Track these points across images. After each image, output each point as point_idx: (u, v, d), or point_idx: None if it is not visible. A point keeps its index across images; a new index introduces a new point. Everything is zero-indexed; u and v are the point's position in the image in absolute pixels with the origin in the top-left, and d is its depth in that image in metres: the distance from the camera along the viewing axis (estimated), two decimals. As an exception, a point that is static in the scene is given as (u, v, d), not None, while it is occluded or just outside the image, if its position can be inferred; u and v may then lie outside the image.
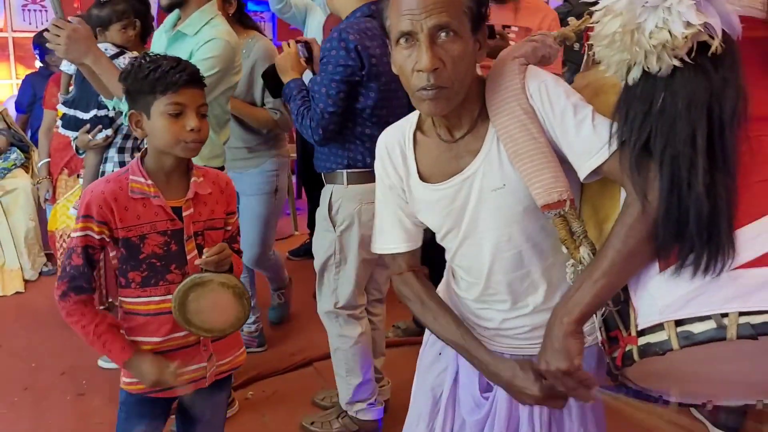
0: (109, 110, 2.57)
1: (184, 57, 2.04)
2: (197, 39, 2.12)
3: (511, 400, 1.28)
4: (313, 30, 3.17)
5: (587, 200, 1.21)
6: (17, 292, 3.59)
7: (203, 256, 1.43)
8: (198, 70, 1.46)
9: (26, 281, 3.73)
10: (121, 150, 2.63)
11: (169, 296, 1.43)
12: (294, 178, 4.74)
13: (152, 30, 2.86)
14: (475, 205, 1.21)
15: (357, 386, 2.27)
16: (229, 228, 1.57)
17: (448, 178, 1.22)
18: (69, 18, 2.03)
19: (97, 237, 1.41)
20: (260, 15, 5.87)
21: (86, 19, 2.50)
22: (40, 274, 3.86)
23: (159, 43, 2.30)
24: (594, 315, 1.14)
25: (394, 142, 1.29)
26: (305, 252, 4.12)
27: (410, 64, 1.09)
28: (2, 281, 3.62)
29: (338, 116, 2.00)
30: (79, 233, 1.40)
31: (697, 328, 0.96)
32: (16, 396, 2.59)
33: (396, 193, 1.31)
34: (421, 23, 1.06)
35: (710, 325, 0.95)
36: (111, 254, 1.47)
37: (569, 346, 1.08)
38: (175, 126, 1.40)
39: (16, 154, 3.81)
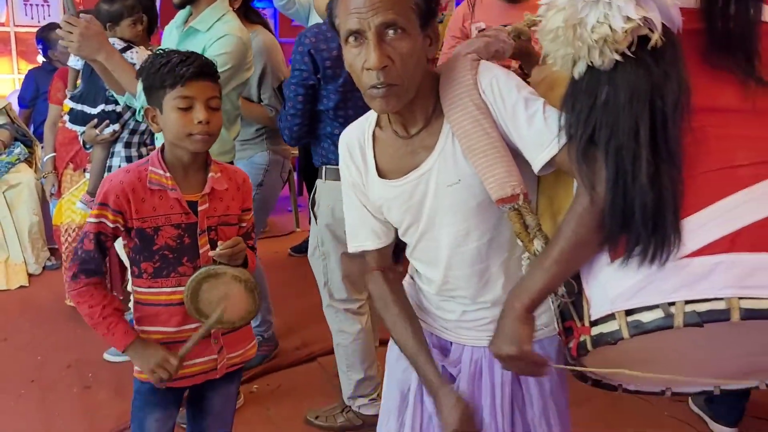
0: (116, 105, 2.58)
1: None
2: (210, 35, 2.14)
3: (473, 391, 1.31)
4: None
5: (543, 192, 1.23)
6: (21, 286, 3.62)
7: (217, 249, 1.45)
8: (209, 62, 1.48)
9: (30, 275, 3.75)
10: (128, 145, 2.65)
11: (181, 288, 1.45)
12: (296, 175, 4.77)
13: (157, 25, 2.88)
14: (432, 201, 1.22)
15: (357, 381, 2.31)
16: (244, 224, 1.59)
17: (405, 174, 1.23)
18: (80, 14, 2.05)
19: (110, 225, 1.43)
20: (263, 11, 5.88)
21: (96, 14, 2.52)
22: (44, 268, 3.88)
23: (170, 38, 2.31)
24: (552, 305, 1.18)
25: (354, 140, 1.30)
26: (307, 248, 4.15)
27: (360, 62, 1.10)
28: (6, 276, 3.64)
29: (300, 118, 2.09)
30: (93, 220, 1.43)
31: (645, 317, 0.99)
32: (23, 389, 2.61)
33: (359, 191, 1.32)
34: (368, 21, 1.07)
35: (658, 314, 0.97)
36: (123, 243, 1.49)
37: (519, 331, 1.11)
38: (184, 119, 1.42)
39: (19, 149, 3.82)
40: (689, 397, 2.48)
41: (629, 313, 1.01)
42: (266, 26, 2.93)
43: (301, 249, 4.18)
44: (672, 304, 0.96)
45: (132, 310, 1.57)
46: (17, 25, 4.85)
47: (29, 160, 3.86)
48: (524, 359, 1.13)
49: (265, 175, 2.75)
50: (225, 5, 2.23)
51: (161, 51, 1.48)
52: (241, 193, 1.57)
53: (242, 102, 2.72)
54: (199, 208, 1.48)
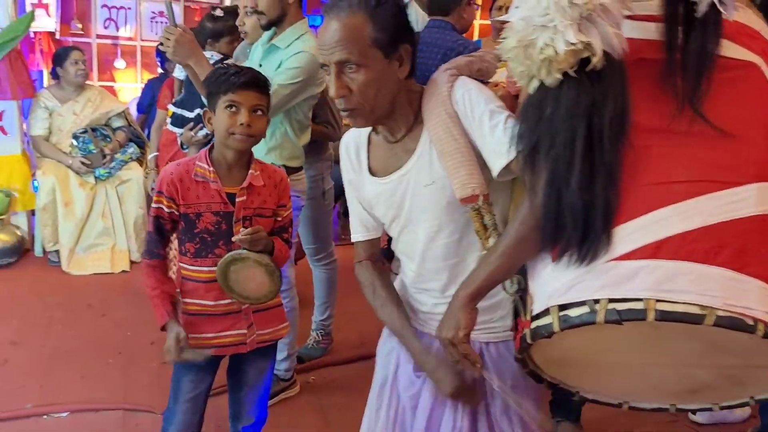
0: None
1: (274, 66, 2.30)
2: (288, 51, 2.35)
3: None
4: None
5: (514, 199, 1.34)
6: (123, 271, 4.00)
7: (240, 234, 1.65)
8: (259, 75, 1.69)
9: (132, 262, 4.10)
10: None
11: (216, 267, 1.66)
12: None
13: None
14: (411, 199, 1.36)
15: None
16: (279, 219, 1.78)
17: (390, 173, 1.38)
18: (178, 25, 2.34)
19: (166, 210, 1.66)
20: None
21: (199, 30, 2.83)
22: (145, 256, 4.27)
23: (255, 54, 2.56)
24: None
25: (352, 141, 1.46)
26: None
27: (331, 90, 1.26)
28: (112, 260, 4.04)
29: None
30: (154, 205, 1.68)
31: (573, 312, 1.06)
32: (111, 358, 2.93)
33: (354, 186, 1.48)
34: (328, 58, 1.24)
35: (584, 309, 1.05)
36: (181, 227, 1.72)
37: (459, 317, 1.22)
38: (230, 120, 1.63)
39: (132, 149, 4.26)
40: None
41: (562, 308, 1.08)
42: None
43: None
44: (597, 301, 1.03)
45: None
46: (143, 40, 5.39)
47: (140, 159, 4.27)
48: (458, 345, 1.24)
49: (324, 182, 2.89)
50: (305, 26, 2.44)
51: (224, 64, 1.70)
52: (278, 191, 1.76)
53: None
54: (237, 200, 1.68)
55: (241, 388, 1.83)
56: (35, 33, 4.85)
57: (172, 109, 3.18)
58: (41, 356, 2.91)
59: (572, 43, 0.98)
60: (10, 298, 3.53)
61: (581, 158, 1.03)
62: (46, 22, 4.86)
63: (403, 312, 1.43)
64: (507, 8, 4.23)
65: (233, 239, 1.66)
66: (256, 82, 1.67)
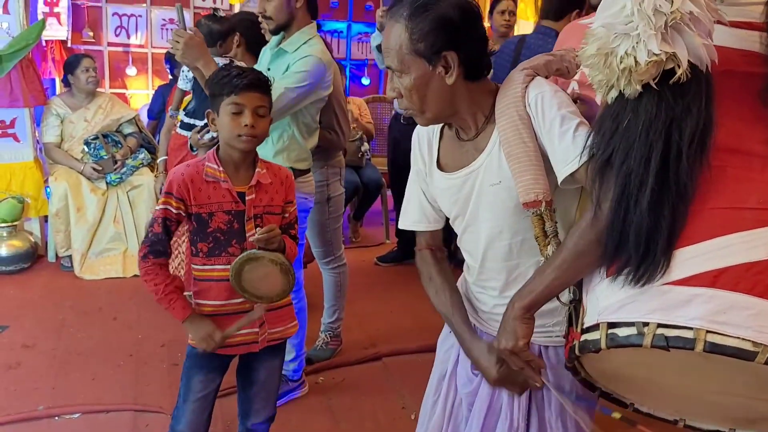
0: None
1: (282, 70, 2.32)
2: (295, 55, 2.38)
3: None
4: None
5: (579, 209, 1.32)
6: (135, 275, 4.01)
7: (256, 234, 1.66)
8: (261, 76, 1.70)
9: (144, 266, 4.15)
10: None
11: (229, 266, 1.66)
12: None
13: (262, 44, 3.20)
14: (477, 197, 1.36)
15: None
16: (286, 215, 1.80)
17: (458, 169, 1.38)
18: (189, 29, 2.37)
19: (174, 211, 1.67)
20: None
21: (206, 32, 2.85)
22: (156, 261, 4.30)
23: (264, 58, 2.59)
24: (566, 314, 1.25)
25: (425, 133, 1.47)
26: (392, 259, 4.34)
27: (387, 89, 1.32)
28: (124, 265, 4.07)
29: None
30: (160, 206, 1.68)
31: (622, 331, 1.03)
32: (122, 361, 2.95)
33: (421, 178, 1.49)
34: (386, 62, 1.31)
35: (632, 331, 1.02)
36: (184, 229, 1.73)
37: (516, 328, 1.22)
38: (234, 122, 1.65)
39: (143, 155, 4.29)
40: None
41: (612, 326, 1.06)
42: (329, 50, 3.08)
43: (386, 259, 4.36)
44: (646, 324, 1.01)
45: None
46: (154, 47, 5.44)
47: (151, 165, 4.30)
48: (519, 355, 1.23)
49: (329, 188, 2.88)
50: (312, 31, 2.47)
51: (225, 65, 1.72)
52: (284, 188, 1.78)
53: None
54: (247, 198, 1.69)
55: (251, 386, 1.84)
56: (47, 41, 4.91)
57: (183, 117, 3.20)
58: (53, 359, 2.94)
59: (655, 54, 0.94)
60: (23, 302, 3.56)
61: (655, 176, 0.99)
62: (58, 30, 4.92)
63: (457, 299, 1.45)
64: (510, 12, 4.18)
65: (250, 239, 1.68)
66: (259, 84, 1.69)
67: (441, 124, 1.44)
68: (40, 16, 4.57)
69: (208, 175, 1.68)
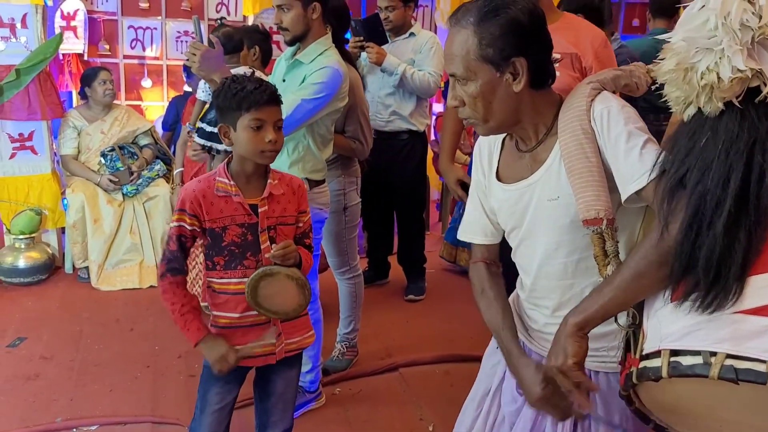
0: None
1: (297, 81, 2.31)
2: (311, 66, 2.37)
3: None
4: None
5: (643, 227, 1.28)
6: (151, 286, 4.03)
7: (272, 251, 1.65)
8: (275, 90, 1.69)
9: (160, 277, 4.17)
10: None
11: (245, 279, 1.66)
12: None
13: (271, 56, 3.21)
14: (533, 211, 1.32)
15: None
16: (300, 225, 1.79)
17: (516, 181, 1.35)
18: (210, 39, 2.37)
19: (189, 227, 1.67)
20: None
21: (226, 41, 2.86)
22: (172, 272, 4.32)
23: (279, 68, 2.59)
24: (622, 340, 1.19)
25: (486, 144, 1.46)
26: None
27: (448, 98, 1.29)
28: (140, 276, 4.09)
29: None
30: (175, 224, 1.68)
31: (686, 360, 0.97)
32: (139, 372, 2.96)
33: (480, 189, 1.47)
34: (446, 69, 1.29)
35: (698, 360, 0.96)
36: (198, 242, 1.73)
37: (567, 345, 1.17)
38: (256, 138, 1.64)
39: (159, 166, 4.32)
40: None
41: (675, 353, 1.00)
42: (353, 64, 3.04)
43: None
44: (714, 354, 0.95)
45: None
46: (169, 59, 5.48)
47: (167, 176, 4.33)
48: (568, 374, 1.17)
49: (345, 197, 2.88)
50: (328, 42, 2.46)
51: (235, 77, 1.71)
52: (297, 197, 1.77)
53: None
54: (259, 210, 1.69)
55: (268, 398, 1.84)
56: (64, 55, 4.96)
57: (199, 124, 3.19)
58: (71, 370, 2.96)
59: (740, 70, 0.90)
60: (41, 314, 3.59)
61: (733, 198, 0.94)
62: (75, 43, 4.97)
63: (507, 315, 1.41)
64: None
65: (267, 256, 1.67)
66: (276, 97, 1.68)
67: (503, 135, 1.41)
68: (57, 30, 4.63)
69: (219, 189, 1.67)
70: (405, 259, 4.05)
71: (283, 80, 2.47)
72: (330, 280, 3.07)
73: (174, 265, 1.68)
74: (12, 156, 4.02)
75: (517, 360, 1.34)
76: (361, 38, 3.50)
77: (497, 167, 1.42)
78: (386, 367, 3.03)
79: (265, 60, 3.22)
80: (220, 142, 2.86)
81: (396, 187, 3.74)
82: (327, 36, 2.47)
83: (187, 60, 2.32)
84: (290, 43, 2.48)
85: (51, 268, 4.12)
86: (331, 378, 2.89)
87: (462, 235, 1.53)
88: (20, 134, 4.01)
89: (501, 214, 1.42)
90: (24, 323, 3.44)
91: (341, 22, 2.98)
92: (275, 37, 4.09)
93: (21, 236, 3.98)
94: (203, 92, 3.18)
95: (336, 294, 3.03)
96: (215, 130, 3.02)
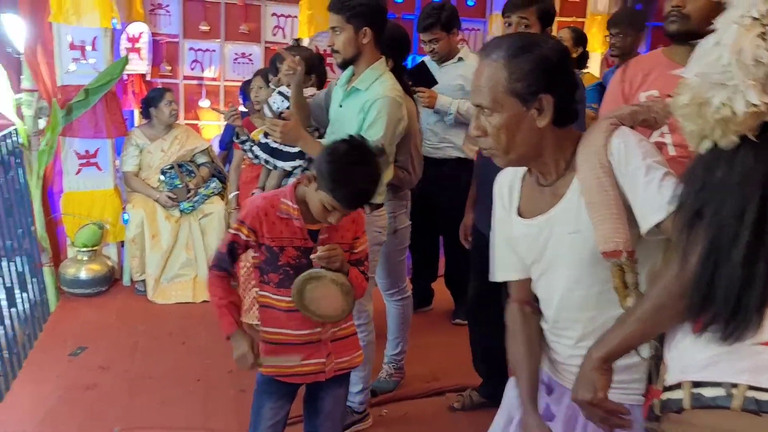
0: None
1: (356, 108, 2.34)
2: (368, 95, 2.39)
3: (565, 430, 1.37)
4: None
5: (664, 260, 1.26)
6: (204, 301, 4.12)
7: (318, 252, 1.70)
8: (369, 192, 1.73)
9: (212, 292, 4.27)
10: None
11: None
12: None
13: (325, 80, 3.28)
14: (554, 245, 1.34)
15: None
16: (356, 251, 1.83)
17: (536, 215, 1.37)
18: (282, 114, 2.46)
19: (243, 238, 1.75)
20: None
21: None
22: (225, 287, 4.42)
23: (335, 95, 2.61)
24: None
25: (506, 180, 1.48)
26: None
27: (470, 127, 1.31)
28: (194, 290, 4.19)
29: None
30: (232, 231, 1.77)
31: (708, 392, 0.99)
32: (191, 386, 3.04)
33: (503, 225, 1.48)
34: (472, 99, 1.31)
35: (720, 392, 0.98)
36: (254, 255, 1.79)
37: (594, 379, 1.18)
38: (325, 213, 1.71)
39: (215, 184, 4.45)
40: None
41: (696, 385, 1.02)
42: (410, 94, 3.02)
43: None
44: (735, 386, 0.97)
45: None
46: (226, 80, 5.66)
47: (222, 194, 4.47)
48: (600, 406, 1.19)
49: (396, 220, 2.89)
50: (383, 66, 2.49)
51: (356, 158, 1.69)
52: (355, 225, 1.82)
53: None
54: (320, 237, 1.74)
55: (317, 416, 1.88)
56: (128, 75, 5.17)
57: (263, 140, 3.17)
58: (127, 381, 3.06)
59: (754, 105, 0.93)
60: (100, 324, 3.72)
61: (750, 230, 0.96)
62: (139, 64, 5.18)
63: (532, 360, 1.43)
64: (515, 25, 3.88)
65: (312, 257, 1.72)
66: (364, 205, 1.77)
67: (525, 170, 1.44)
68: (123, 52, 4.84)
69: (281, 211, 1.74)
70: (453, 282, 4.04)
71: (340, 106, 2.52)
72: (378, 302, 3.10)
73: (220, 263, 1.78)
74: (78, 172, 4.20)
75: (526, 416, 1.37)
76: (410, 83, 3.53)
77: (518, 203, 1.44)
78: (434, 390, 3.04)
79: (321, 83, 3.30)
80: (283, 159, 2.97)
81: (443, 212, 3.76)
82: (381, 61, 2.49)
83: (270, 136, 2.44)
84: (342, 66, 2.51)
85: (110, 280, 4.28)
86: (378, 399, 2.91)
87: (497, 275, 1.53)
88: (86, 151, 4.20)
89: (521, 248, 1.43)
90: (84, 333, 3.57)
91: (402, 51, 3.02)
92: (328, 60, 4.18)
93: (84, 249, 4.14)
94: (275, 104, 3.22)
95: (384, 315, 3.06)
96: (279, 146, 3.10)
